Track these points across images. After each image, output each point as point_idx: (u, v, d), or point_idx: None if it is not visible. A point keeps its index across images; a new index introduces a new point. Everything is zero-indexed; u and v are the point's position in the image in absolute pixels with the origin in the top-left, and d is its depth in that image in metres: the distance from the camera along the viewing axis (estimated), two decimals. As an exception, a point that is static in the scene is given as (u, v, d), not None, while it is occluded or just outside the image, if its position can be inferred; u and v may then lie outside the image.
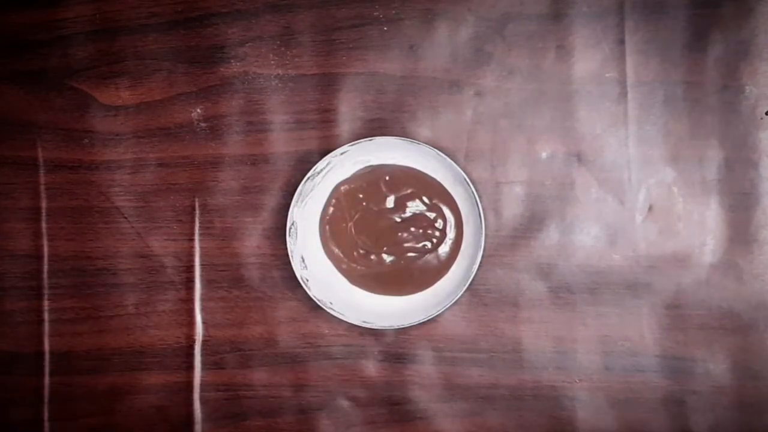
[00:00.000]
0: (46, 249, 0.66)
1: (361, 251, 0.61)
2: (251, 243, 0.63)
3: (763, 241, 0.58)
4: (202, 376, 0.64)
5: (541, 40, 0.60)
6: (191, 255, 0.64)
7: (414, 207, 0.61)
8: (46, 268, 0.66)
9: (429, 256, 0.61)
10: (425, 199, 0.61)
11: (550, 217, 0.60)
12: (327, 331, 0.63)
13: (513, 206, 0.60)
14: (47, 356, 0.66)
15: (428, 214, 0.61)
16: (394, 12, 0.61)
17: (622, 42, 0.59)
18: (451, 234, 0.61)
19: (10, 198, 0.66)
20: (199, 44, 0.63)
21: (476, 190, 0.58)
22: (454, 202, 0.60)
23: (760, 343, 0.58)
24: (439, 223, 0.61)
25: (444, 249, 0.61)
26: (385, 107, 0.62)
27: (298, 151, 0.63)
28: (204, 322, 0.64)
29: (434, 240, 0.61)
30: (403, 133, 0.61)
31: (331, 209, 0.62)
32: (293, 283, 0.61)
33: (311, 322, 0.63)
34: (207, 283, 0.64)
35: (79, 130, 0.65)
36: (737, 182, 0.58)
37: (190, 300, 0.64)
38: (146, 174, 0.65)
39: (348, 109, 0.62)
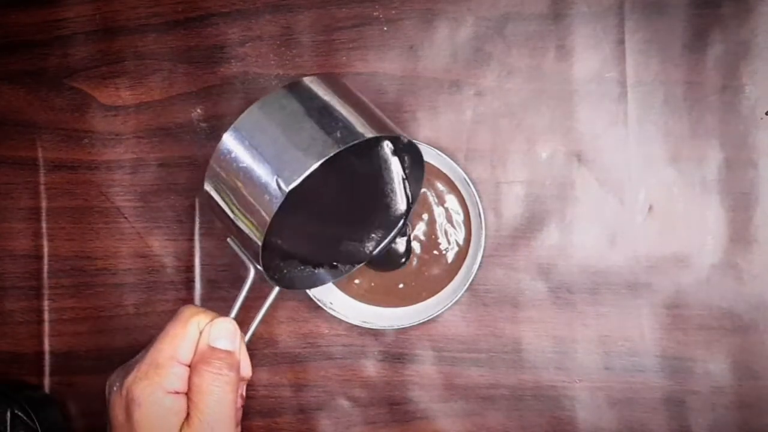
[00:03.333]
0: (46, 249, 0.66)
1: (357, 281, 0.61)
2: (251, 243, 0.63)
3: (763, 241, 0.58)
4: (202, 376, 0.64)
5: (541, 40, 0.60)
6: (191, 255, 0.64)
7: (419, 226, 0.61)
8: (46, 268, 0.66)
9: (434, 269, 0.60)
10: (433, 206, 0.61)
11: (550, 217, 0.60)
12: (327, 331, 0.63)
13: (513, 206, 0.60)
14: (47, 356, 0.66)
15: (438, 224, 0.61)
16: (394, 12, 0.61)
17: (622, 42, 0.59)
18: (459, 239, 0.60)
19: (10, 198, 0.66)
20: (199, 44, 0.63)
21: (476, 190, 0.58)
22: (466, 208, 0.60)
23: (760, 343, 0.58)
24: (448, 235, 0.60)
25: (450, 255, 0.60)
26: (385, 107, 0.61)
27: (298, 151, 0.62)
28: (204, 322, 0.64)
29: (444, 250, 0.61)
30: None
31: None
32: (293, 283, 0.61)
33: (311, 322, 0.63)
34: (207, 283, 0.64)
35: (79, 130, 0.65)
36: (737, 182, 0.58)
37: (190, 300, 0.64)
38: (146, 174, 0.65)
39: (348, 109, 0.62)
